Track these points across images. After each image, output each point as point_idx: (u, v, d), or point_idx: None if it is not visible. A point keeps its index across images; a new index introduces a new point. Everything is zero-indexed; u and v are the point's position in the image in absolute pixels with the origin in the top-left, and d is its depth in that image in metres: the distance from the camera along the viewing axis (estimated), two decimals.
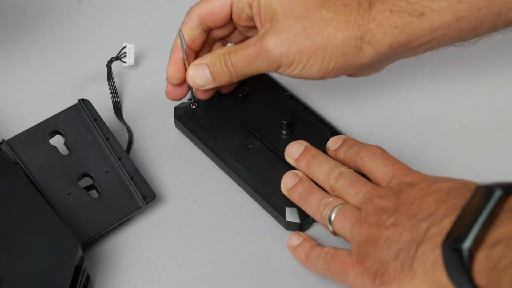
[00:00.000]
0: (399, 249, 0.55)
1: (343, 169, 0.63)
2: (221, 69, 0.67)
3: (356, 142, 0.66)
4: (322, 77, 0.66)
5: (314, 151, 0.66)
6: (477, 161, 0.71)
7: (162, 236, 0.66)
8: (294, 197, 0.64)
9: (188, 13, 0.69)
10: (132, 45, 0.77)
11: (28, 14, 0.84)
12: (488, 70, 0.77)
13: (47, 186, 0.65)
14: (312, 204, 0.63)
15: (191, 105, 0.72)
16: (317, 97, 0.75)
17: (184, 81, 0.69)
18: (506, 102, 0.75)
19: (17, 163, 0.66)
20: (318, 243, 0.63)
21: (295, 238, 0.64)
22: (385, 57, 0.66)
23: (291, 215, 0.65)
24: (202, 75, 0.67)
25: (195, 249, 0.65)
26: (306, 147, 0.66)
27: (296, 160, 0.66)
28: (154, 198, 0.66)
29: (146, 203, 0.66)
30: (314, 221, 0.66)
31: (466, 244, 0.49)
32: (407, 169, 0.61)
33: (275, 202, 0.66)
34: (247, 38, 0.71)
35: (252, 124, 0.71)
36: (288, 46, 0.65)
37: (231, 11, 0.68)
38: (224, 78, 0.67)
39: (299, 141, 0.67)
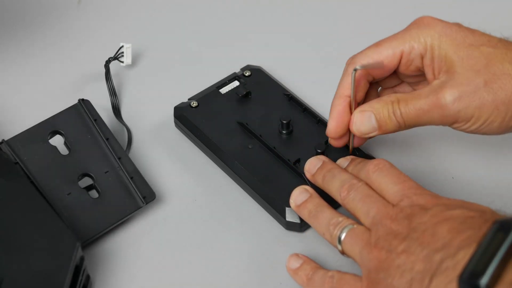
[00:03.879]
0: (412, 279, 0.54)
1: (355, 181, 0.61)
2: (389, 118, 0.63)
3: (363, 159, 0.64)
4: (501, 133, 0.63)
5: (330, 165, 0.64)
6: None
7: (162, 236, 0.66)
8: (303, 214, 0.63)
9: (352, 62, 0.65)
10: (129, 45, 0.77)
11: (28, 14, 0.84)
12: None
13: (47, 186, 0.65)
14: (322, 223, 0.62)
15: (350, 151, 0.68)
16: (317, 97, 0.75)
17: (344, 133, 0.66)
18: None
19: (17, 163, 0.66)
20: (319, 266, 0.62)
21: (294, 261, 0.63)
22: None
23: (291, 215, 0.65)
24: (368, 123, 0.64)
25: (195, 249, 0.65)
26: (324, 162, 0.65)
27: (313, 175, 0.65)
28: (154, 198, 0.66)
29: (146, 203, 0.66)
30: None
31: (484, 281, 0.49)
32: (418, 188, 0.59)
33: (275, 202, 0.66)
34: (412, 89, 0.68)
35: (252, 124, 0.71)
36: (467, 101, 0.61)
37: (400, 62, 0.64)
38: (390, 127, 0.63)
39: (318, 156, 0.65)
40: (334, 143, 0.67)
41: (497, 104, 0.60)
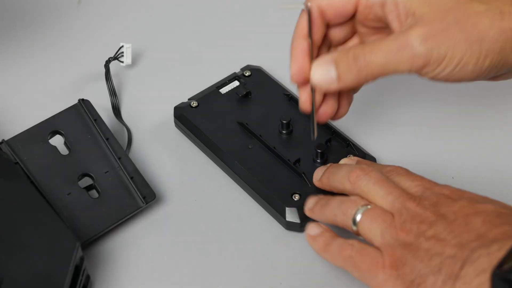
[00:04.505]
0: (442, 263, 0.53)
1: (365, 166, 0.60)
2: (348, 67, 0.58)
3: (372, 162, 0.64)
4: (474, 78, 0.59)
5: (336, 164, 0.64)
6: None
7: (162, 236, 0.66)
8: (316, 211, 0.62)
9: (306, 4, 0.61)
10: (129, 45, 0.77)
11: (28, 14, 0.84)
12: None
13: (47, 186, 0.65)
14: (333, 205, 0.60)
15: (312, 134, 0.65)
16: None
17: (308, 80, 0.61)
18: None
19: (17, 163, 0.66)
20: (339, 235, 0.60)
21: (314, 227, 0.61)
22: None
23: (291, 215, 0.65)
24: (326, 73, 0.59)
25: (195, 249, 0.65)
26: (330, 165, 0.64)
27: (319, 180, 0.64)
28: (154, 198, 0.66)
29: (146, 203, 0.66)
30: (314, 221, 0.65)
31: None
32: (437, 183, 0.59)
33: (275, 202, 0.66)
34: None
35: (252, 124, 0.71)
36: (440, 39, 0.57)
37: (355, 10, 0.61)
38: (350, 76, 0.59)
39: (328, 164, 0.65)
40: (302, 102, 0.63)
41: (470, 42, 0.57)
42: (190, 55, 0.80)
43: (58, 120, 0.69)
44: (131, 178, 0.67)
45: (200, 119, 0.72)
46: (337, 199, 0.61)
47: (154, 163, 0.71)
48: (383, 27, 0.62)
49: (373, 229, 0.57)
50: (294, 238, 0.66)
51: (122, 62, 0.77)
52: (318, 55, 0.63)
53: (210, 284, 0.63)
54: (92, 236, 0.64)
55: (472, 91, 0.76)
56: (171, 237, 0.66)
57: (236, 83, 0.74)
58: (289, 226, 0.66)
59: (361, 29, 0.63)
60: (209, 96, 0.73)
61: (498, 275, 0.50)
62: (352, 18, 0.62)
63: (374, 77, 0.59)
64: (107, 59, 0.76)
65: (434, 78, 0.59)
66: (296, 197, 0.66)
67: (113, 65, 0.76)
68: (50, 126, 0.69)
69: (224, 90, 0.74)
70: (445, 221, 0.55)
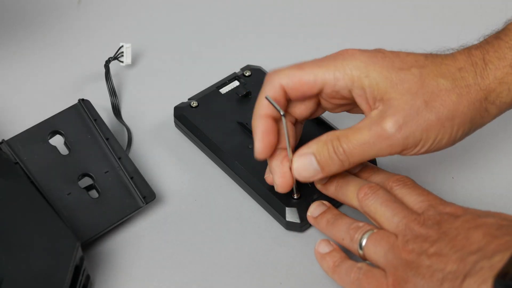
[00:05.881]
0: (444, 278, 0.53)
1: (373, 184, 0.60)
2: (330, 158, 0.60)
3: (379, 168, 0.64)
4: (449, 146, 0.61)
5: (345, 177, 0.63)
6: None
7: (162, 236, 0.66)
8: (321, 224, 0.63)
9: (270, 81, 0.62)
10: (128, 45, 0.77)
11: (28, 14, 0.84)
12: None
13: (47, 186, 0.65)
14: (341, 228, 0.61)
15: (293, 196, 0.65)
16: None
17: (271, 153, 0.63)
18: None
19: (17, 163, 0.66)
20: (348, 256, 0.61)
21: (324, 246, 0.62)
22: (505, 111, 0.62)
23: (291, 215, 0.65)
24: (310, 166, 0.61)
25: (195, 249, 0.65)
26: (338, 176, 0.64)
27: (324, 186, 0.64)
28: (154, 198, 0.66)
29: (146, 203, 0.66)
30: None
31: None
32: (443, 200, 0.59)
33: (275, 202, 0.66)
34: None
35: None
36: (412, 126, 0.59)
37: (321, 91, 0.61)
38: (334, 167, 0.60)
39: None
40: (276, 182, 0.63)
41: (442, 121, 0.59)
42: (190, 55, 0.80)
43: (58, 120, 0.69)
44: (131, 178, 0.67)
45: (200, 119, 0.72)
46: (345, 222, 0.61)
47: (154, 163, 0.71)
48: (348, 103, 0.63)
49: (377, 251, 0.58)
50: (294, 238, 0.66)
51: (122, 62, 0.77)
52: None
53: (210, 284, 0.63)
54: (92, 236, 0.64)
55: None
56: (171, 237, 0.66)
57: (236, 83, 0.74)
58: (289, 226, 0.66)
59: (326, 104, 0.64)
60: (209, 96, 0.73)
61: (501, 282, 0.50)
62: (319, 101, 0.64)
63: (356, 164, 0.61)
64: (107, 59, 0.76)
65: (414, 155, 0.61)
66: (296, 197, 0.66)
67: (113, 65, 0.76)
68: (50, 126, 0.69)
69: (224, 90, 0.74)
70: (447, 237, 0.55)
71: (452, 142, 0.61)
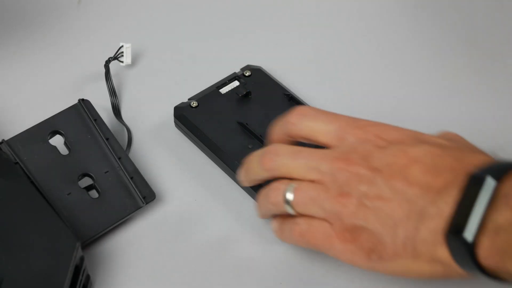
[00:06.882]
0: (396, 226, 0.52)
1: (270, 146, 0.57)
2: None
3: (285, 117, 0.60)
4: None
5: (248, 157, 0.62)
6: None
7: (162, 236, 0.66)
8: (259, 213, 0.62)
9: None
10: (128, 45, 0.77)
11: (28, 14, 0.84)
12: None
13: (47, 186, 0.65)
14: (263, 201, 0.59)
15: None
16: (317, 97, 0.75)
17: None
18: None
19: (17, 163, 0.66)
20: (288, 216, 0.59)
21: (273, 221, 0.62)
22: None
23: None
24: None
25: (195, 249, 0.65)
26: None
27: (241, 178, 0.63)
28: (154, 198, 0.66)
29: (146, 203, 0.66)
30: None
31: (469, 235, 0.49)
32: (356, 120, 0.55)
33: None
34: None
35: (252, 124, 0.71)
36: None
37: None
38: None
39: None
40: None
41: None
42: (190, 55, 0.80)
43: (58, 120, 0.69)
44: (131, 178, 0.67)
45: (200, 119, 0.72)
46: (262, 193, 0.59)
47: (154, 163, 0.71)
48: None
49: (310, 206, 0.56)
50: None
51: (122, 62, 0.77)
52: None
53: (209, 284, 0.63)
54: (92, 236, 0.64)
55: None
56: (171, 237, 0.66)
57: (236, 83, 0.74)
58: None
59: None
60: (209, 96, 0.73)
61: (452, 235, 0.50)
62: None
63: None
64: (107, 59, 0.76)
65: None
66: None
67: (113, 65, 0.76)
68: (50, 126, 0.69)
69: (224, 90, 0.74)
70: (382, 176, 0.53)
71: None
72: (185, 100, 0.74)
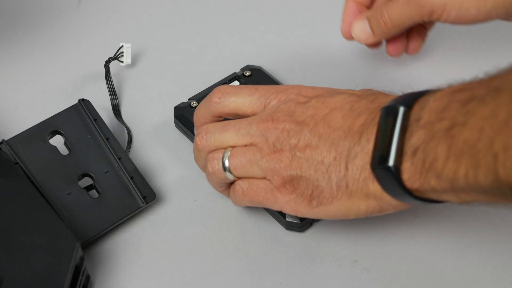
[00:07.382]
0: (328, 170, 0.56)
1: (200, 129, 0.62)
2: (377, 22, 0.68)
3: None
4: (485, 20, 0.65)
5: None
6: None
7: (162, 236, 0.66)
8: (212, 186, 0.65)
9: None
10: (128, 45, 0.77)
11: (28, 14, 0.84)
12: None
13: (47, 186, 0.65)
14: (206, 173, 0.62)
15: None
16: None
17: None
18: None
19: (17, 163, 0.66)
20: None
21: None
22: None
23: (291, 215, 0.65)
24: (364, 29, 0.69)
25: (195, 249, 0.65)
26: None
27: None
28: (154, 198, 0.66)
29: (146, 203, 0.66)
30: (314, 221, 0.66)
31: (391, 161, 0.53)
32: (275, 87, 0.60)
33: None
34: None
35: None
36: None
37: None
38: (380, 30, 0.68)
39: None
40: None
41: None
42: (190, 55, 0.80)
43: (58, 120, 0.69)
44: (131, 178, 0.67)
45: None
46: (202, 164, 0.63)
47: (154, 163, 0.71)
48: None
49: (247, 168, 0.59)
50: (294, 238, 0.66)
51: (122, 62, 0.77)
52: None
53: (210, 284, 0.63)
54: (92, 236, 0.64)
55: None
56: (171, 237, 0.66)
57: (236, 83, 0.74)
58: (289, 226, 0.66)
59: None
60: None
61: (376, 166, 0.54)
62: None
63: (398, 28, 0.68)
64: (107, 59, 0.76)
65: (446, 22, 0.65)
66: None
67: (113, 65, 0.76)
68: (50, 126, 0.69)
69: None
70: (308, 127, 0.57)
71: (485, 13, 0.64)
72: (185, 100, 0.74)
